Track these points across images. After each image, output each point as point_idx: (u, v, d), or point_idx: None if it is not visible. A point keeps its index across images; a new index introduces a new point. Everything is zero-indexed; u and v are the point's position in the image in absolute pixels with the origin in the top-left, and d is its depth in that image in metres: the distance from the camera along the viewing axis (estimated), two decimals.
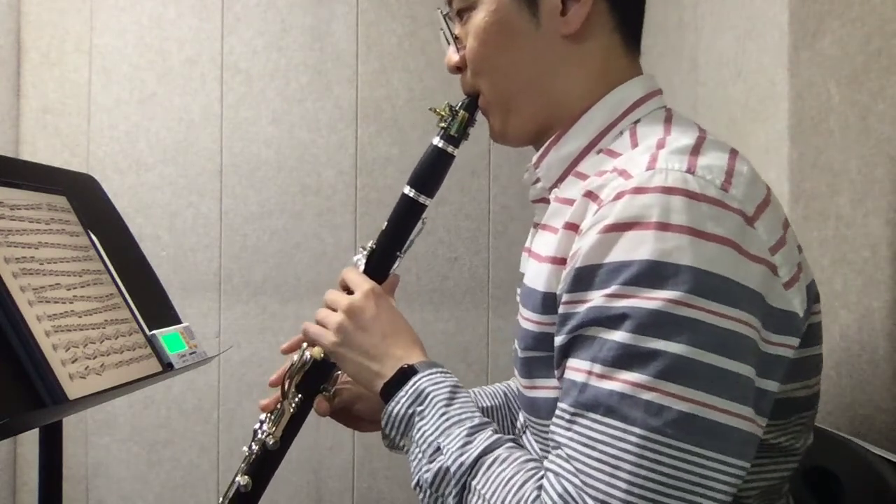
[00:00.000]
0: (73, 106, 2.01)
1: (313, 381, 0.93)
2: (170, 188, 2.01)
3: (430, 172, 0.88)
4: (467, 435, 0.71)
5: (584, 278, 0.63)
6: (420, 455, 0.73)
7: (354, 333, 0.83)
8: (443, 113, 0.87)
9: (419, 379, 0.77)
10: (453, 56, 0.84)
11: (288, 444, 0.93)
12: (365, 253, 0.91)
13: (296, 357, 0.93)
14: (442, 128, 0.87)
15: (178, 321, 1.22)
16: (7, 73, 1.96)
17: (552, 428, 0.65)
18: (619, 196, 0.63)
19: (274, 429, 0.92)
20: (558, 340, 0.66)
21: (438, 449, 0.72)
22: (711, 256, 0.60)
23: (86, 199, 1.19)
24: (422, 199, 0.88)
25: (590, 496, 0.59)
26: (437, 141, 0.87)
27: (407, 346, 0.82)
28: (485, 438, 0.71)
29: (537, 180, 0.82)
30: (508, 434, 0.75)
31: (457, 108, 0.86)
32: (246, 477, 0.91)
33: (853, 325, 1.01)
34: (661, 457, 0.58)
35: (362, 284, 0.86)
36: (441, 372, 0.79)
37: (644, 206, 0.61)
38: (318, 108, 2.03)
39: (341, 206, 2.03)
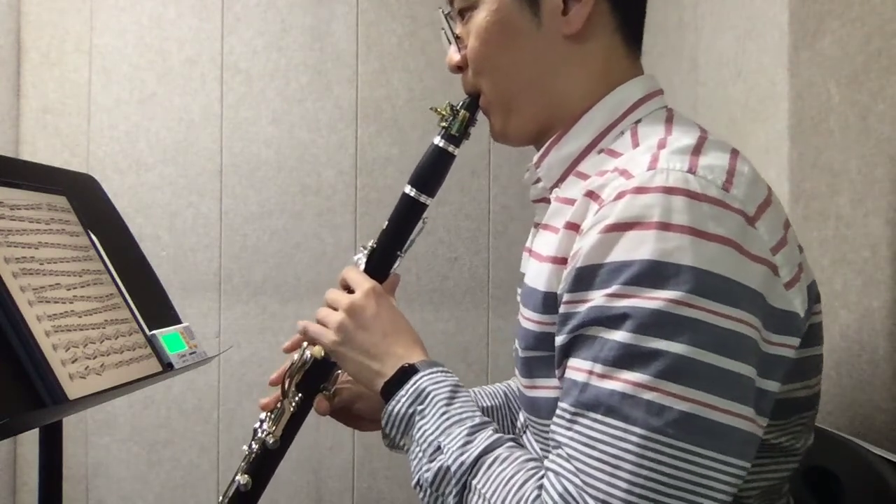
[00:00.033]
0: (73, 106, 2.01)
1: (313, 380, 0.93)
2: (170, 188, 2.01)
3: (431, 172, 0.88)
4: (468, 434, 0.71)
5: (585, 278, 0.63)
6: (420, 454, 0.73)
7: (355, 332, 0.83)
8: (444, 112, 0.87)
9: (420, 378, 0.77)
10: (454, 55, 0.84)
11: (288, 443, 0.93)
12: (365, 252, 0.92)
13: (296, 356, 0.93)
14: (443, 127, 0.87)
15: (178, 321, 1.22)
16: (7, 73, 1.96)
17: (553, 428, 0.65)
18: (620, 196, 0.63)
19: (274, 428, 0.92)
20: (559, 340, 0.66)
21: (439, 448, 0.72)
22: (712, 256, 0.60)
23: (86, 199, 1.19)
24: (423, 198, 0.88)
25: (590, 496, 0.59)
26: (438, 140, 0.87)
27: (408, 345, 0.82)
28: (485, 438, 0.71)
29: (538, 180, 0.82)
30: (508, 434, 0.75)
31: (458, 107, 0.86)
32: (246, 476, 0.91)
33: (853, 325, 1.01)
34: (661, 457, 0.58)
35: (363, 283, 0.86)
36: (442, 371, 0.79)
37: (645, 206, 0.61)
38: (318, 108, 2.03)
39: (341, 206, 2.03)
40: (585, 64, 0.78)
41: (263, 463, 0.92)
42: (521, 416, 0.89)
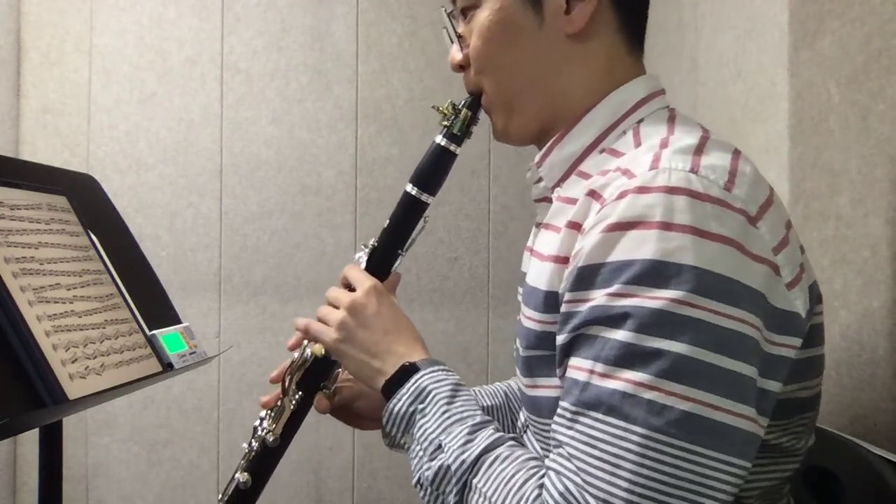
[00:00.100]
0: (73, 106, 2.01)
1: (314, 378, 0.93)
2: (170, 188, 2.01)
3: (433, 171, 0.88)
4: (469, 433, 0.71)
5: (587, 277, 0.63)
6: (421, 453, 0.73)
7: (356, 330, 0.83)
8: (446, 111, 0.87)
9: (421, 376, 0.77)
10: (457, 54, 0.84)
11: (288, 441, 0.93)
12: (367, 250, 0.92)
13: (296, 354, 0.93)
14: (445, 126, 0.87)
15: (178, 321, 1.22)
16: (7, 73, 1.96)
17: (554, 427, 0.65)
18: (622, 195, 0.63)
19: (274, 426, 0.92)
20: (560, 339, 0.66)
21: (440, 447, 0.72)
22: (714, 256, 0.60)
23: (86, 199, 1.19)
24: (424, 196, 0.88)
25: (591, 495, 0.59)
26: (440, 139, 0.87)
27: (409, 343, 0.82)
28: (486, 437, 0.71)
29: (539, 179, 0.82)
30: (509, 433, 0.75)
31: (460, 106, 0.86)
32: (245, 474, 0.91)
33: (853, 325, 1.01)
34: (662, 456, 0.58)
35: (364, 282, 0.86)
36: (443, 370, 0.79)
37: (647, 206, 0.61)
38: (318, 108, 2.03)
39: (341, 206, 2.03)
40: (588, 63, 0.78)
41: (263, 461, 0.92)
42: (522, 416, 0.89)
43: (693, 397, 0.58)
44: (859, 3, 1.00)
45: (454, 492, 0.69)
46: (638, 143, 0.72)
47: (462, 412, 0.74)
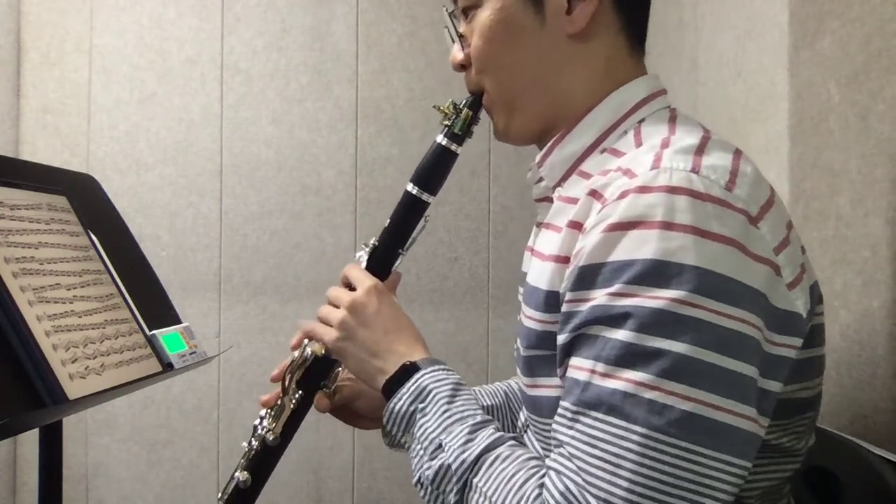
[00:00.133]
0: (73, 106, 2.01)
1: (314, 377, 0.93)
2: (170, 188, 2.01)
3: (434, 170, 0.88)
4: (469, 432, 0.71)
5: (588, 277, 0.63)
6: (422, 452, 0.73)
7: (357, 329, 0.83)
8: (447, 111, 0.87)
9: (422, 376, 0.77)
10: (458, 54, 0.84)
11: (288, 439, 0.93)
12: (367, 250, 0.92)
13: (297, 353, 0.93)
14: (446, 126, 0.87)
15: (178, 321, 1.22)
16: (7, 73, 1.96)
17: (554, 426, 0.65)
18: (623, 195, 0.63)
19: (274, 424, 0.92)
20: (561, 339, 0.66)
21: (440, 446, 0.72)
22: (715, 256, 0.60)
23: (86, 199, 1.19)
24: (425, 196, 0.88)
25: (592, 494, 0.59)
26: (441, 139, 0.87)
27: (409, 342, 0.82)
28: (487, 436, 0.71)
29: (540, 179, 0.82)
30: (509, 433, 0.75)
31: (461, 106, 0.86)
32: (245, 472, 0.91)
33: (853, 325, 1.01)
34: (663, 456, 0.58)
35: (364, 281, 0.86)
36: (444, 369, 0.79)
37: (648, 206, 0.61)
38: (318, 108, 2.03)
39: (341, 206, 2.03)
40: (589, 63, 0.78)
41: (263, 459, 0.92)
42: (522, 416, 0.89)
43: (694, 397, 0.58)
44: (859, 3, 1.00)
45: (455, 491, 0.69)
46: (639, 143, 0.72)
47: (463, 411, 0.74)
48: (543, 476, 0.65)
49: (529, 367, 0.75)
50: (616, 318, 0.61)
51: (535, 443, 0.79)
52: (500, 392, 1.05)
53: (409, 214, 0.90)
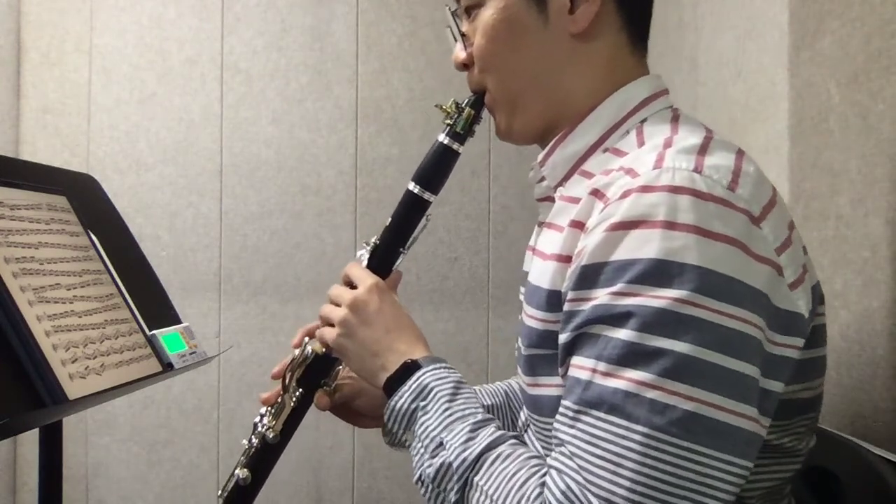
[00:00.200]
0: (73, 106, 2.01)
1: (314, 375, 0.93)
2: (170, 188, 2.01)
3: (436, 169, 0.88)
4: (470, 431, 0.71)
5: (590, 276, 0.63)
6: (422, 450, 0.73)
7: (358, 328, 0.83)
8: (449, 110, 0.87)
9: (423, 374, 0.77)
10: (460, 53, 0.84)
11: (288, 437, 0.93)
12: (368, 248, 0.92)
13: (297, 351, 0.93)
14: (448, 125, 0.87)
15: (178, 321, 1.22)
16: (7, 73, 1.96)
17: (555, 425, 0.65)
18: (625, 194, 0.63)
19: (274, 422, 0.92)
20: (563, 338, 0.66)
21: (441, 444, 0.72)
22: (717, 256, 0.60)
23: (86, 199, 1.19)
24: (426, 195, 0.88)
25: (593, 493, 0.59)
26: (443, 138, 0.87)
27: (410, 341, 0.82)
28: (488, 434, 0.71)
29: (542, 178, 0.82)
30: (510, 432, 0.75)
31: (463, 105, 0.86)
32: (245, 470, 0.91)
33: (853, 325, 1.01)
34: (664, 455, 0.58)
35: (366, 279, 0.86)
36: (445, 367, 0.79)
37: (651, 205, 0.61)
38: (318, 108, 2.03)
39: (341, 206, 2.03)
40: (591, 62, 0.78)
41: (263, 457, 0.92)
42: (523, 415, 0.89)
43: (695, 397, 0.58)
44: (859, 3, 1.00)
45: (455, 489, 0.69)
46: (641, 143, 0.72)
47: (464, 410, 0.74)
48: (544, 475, 0.65)
49: (530, 366, 0.75)
50: (618, 318, 0.61)
51: (536, 442, 0.79)
52: (500, 391, 1.05)
53: (410, 213, 0.89)
